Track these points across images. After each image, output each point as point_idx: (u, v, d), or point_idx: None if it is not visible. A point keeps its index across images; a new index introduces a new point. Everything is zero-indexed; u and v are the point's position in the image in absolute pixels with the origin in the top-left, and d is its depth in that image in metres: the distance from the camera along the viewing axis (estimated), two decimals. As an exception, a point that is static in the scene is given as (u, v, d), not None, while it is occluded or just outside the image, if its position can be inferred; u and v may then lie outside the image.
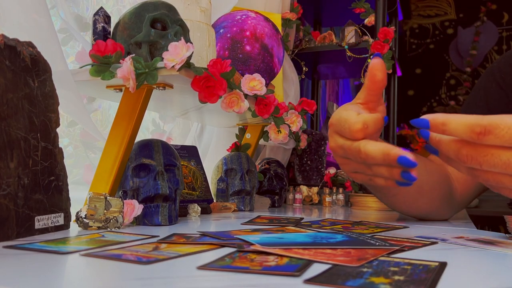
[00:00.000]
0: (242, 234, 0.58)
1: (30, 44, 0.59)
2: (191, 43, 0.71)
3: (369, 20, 1.50)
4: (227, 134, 1.34)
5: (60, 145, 0.63)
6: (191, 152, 1.04)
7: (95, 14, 0.79)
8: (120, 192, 0.75)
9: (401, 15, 2.40)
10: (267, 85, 1.05)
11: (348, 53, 1.54)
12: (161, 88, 0.75)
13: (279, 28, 1.43)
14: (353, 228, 0.73)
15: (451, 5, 3.85)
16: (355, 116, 0.57)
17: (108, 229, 0.64)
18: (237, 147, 1.17)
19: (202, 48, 0.87)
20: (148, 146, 0.76)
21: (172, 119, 1.35)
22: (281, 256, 0.46)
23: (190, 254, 0.47)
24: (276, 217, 0.88)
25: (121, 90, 0.77)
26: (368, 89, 0.61)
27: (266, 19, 1.10)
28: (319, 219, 0.88)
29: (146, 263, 0.42)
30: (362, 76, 1.51)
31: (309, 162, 1.55)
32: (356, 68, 1.75)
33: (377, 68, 0.59)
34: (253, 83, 0.90)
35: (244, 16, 1.07)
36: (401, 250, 0.52)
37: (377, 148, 0.54)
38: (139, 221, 0.73)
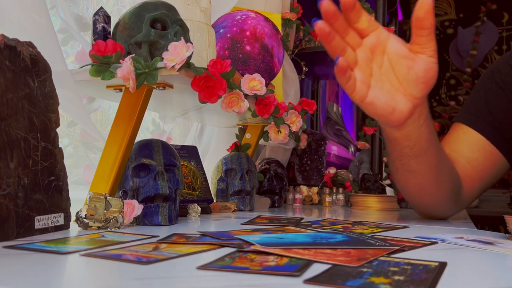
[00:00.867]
0: (242, 234, 0.58)
1: (30, 44, 0.59)
2: (191, 43, 0.71)
3: (369, 20, 1.50)
4: (227, 134, 1.34)
5: (60, 145, 0.63)
6: (191, 152, 1.04)
7: (95, 14, 0.79)
8: (120, 192, 0.75)
9: (401, 15, 2.40)
10: (267, 85, 1.05)
11: (348, 53, 1.54)
12: (161, 88, 0.75)
13: (279, 28, 1.43)
14: (353, 228, 0.73)
15: (451, 5, 3.85)
16: None
17: (108, 229, 0.64)
18: (237, 147, 1.16)
19: (202, 48, 0.87)
20: (148, 146, 0.76)
21: (172, 119, 1.35)
22: (281, 256, 0.46)
23: (190, 254, 0.47)
24: (276, 217, 0.88)
25: (121, 90, 0.77)
26: (415, 28, 0.61)
27: (266, 19, 1.10)
28: (319, 219, 0.88)
29: (146, 263, 0.42)
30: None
31: (309, 162, 1.55)
32: (356, 68, 1.75)
33: (421, 6, 0.59)
34: (253, 83, 0.90)
35: (244, 16, 1.07)
36: (401, 250, 0.52)
37: None
38: (139, 221, 0.73)
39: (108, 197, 0.65)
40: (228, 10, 1.18)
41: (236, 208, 1.02)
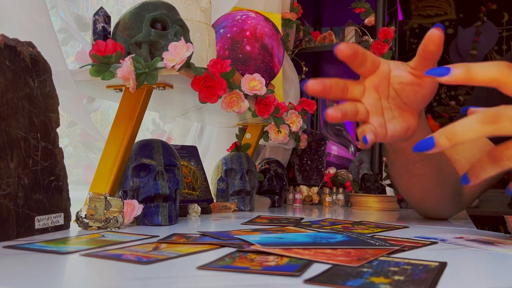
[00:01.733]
0: (242, 234, 0.58)
1: (30, 44, 0.59)
2: (191, 43, 0.71)
3: (369, 20, 1.50)
4: (227, 134, 1.34)
5: (60, 145, 0.63)
6: (191, 152, 1.04)
7: (95, 14, 0.79)
8: (120, 192, 0.75)
9: (401, 15, 2.40)
10: (267, 85, 1.05)
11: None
12: (161, 88, 0.75)
13: (279, 28, 1.43)
14: (353, 228, 0.73)
15: (451, 5, 3.85)
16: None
17: (108, 229, 0.64)
18: (237, 147, 1.16)
19: (202, 48, 0.87)
20: (148, 146, 0.76)
21: (172, 119, 1.35)
22: (281, 256, 0.46)
23: (190, 254, 0.47)
24: (276, 217, 0.88)
25: (121, 90, 0.77)
26: (420, 57, 0.60)
27: (266, 19, 1.10)
28: (319, 219, 0.88)
29: (146, 263, 0.42)
30: (362, 76, 1.51)
31: (309, 162, 1.55)
32: (356, 68, 1.75)
33: (432, 40, 0.57)
34: (253, 83, 0.90)
35: (244, 16, 1.07)
36: (401, 250, 0.52)
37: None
38: (139, 221, 0.73)
39: (108, 197, 0.65)
40: (228, 10, 1.18)
41: (236, 208, 1.02)
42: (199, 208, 0.89)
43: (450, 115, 3.74)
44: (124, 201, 0.67)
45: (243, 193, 1.04)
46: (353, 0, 1.53)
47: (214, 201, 1.04)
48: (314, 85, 0.57)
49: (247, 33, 1.04)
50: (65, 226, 0.62)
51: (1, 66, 0.53)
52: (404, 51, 3.85)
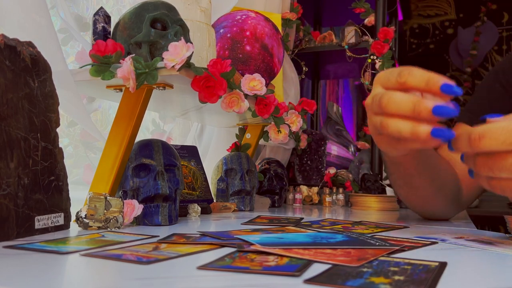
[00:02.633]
0: (242, 234, 0.58)
1: (30, 44, 0.59)
2: (191, 43, 0.71)
3: (369, 20, 1.50)
4: (227, 134, 1.34)
5: (60, 145, 0.63)
6: (191, 152, 1.04)
7: (95, 14, 0.79)
8: (120, 192, 0.75)
9: (401, 15, 2.40)
10: (267, 85, 1.05)
11: (348, 53, 1.54)
12: (161, 88, 0.75)
13: (279, 28, 1.43)
14: (353, 228, 0.73)
15: (451, 5, 3.84)
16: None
17: (108, 229, 0.64)
18: (237, 147, 1.16)
19: (202, 48, 0.87)
20: (148, 146, 0.76)
21: (172, 119, 1.35)
22: (281, 256, 0.46)
23: (190, 254, 0.47)
24: (276, 217, 0.88)
25: (121, 90, 0.77)
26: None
27: (266, 19, 1.10)
28: (319, 219, 0.88)
29: (146, 263, 0.42)
30: (362, 76, 1.51)
31: (309, 162, 1.55)
32: (356, 68, 1.75)
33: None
34: (253, 83, 0.90)
35: (244, 16, 1.07)
36: (401, 250, 0.52)
37: (419, 75, 0.51)
38: (139, 221, 0.73)
39: (108, 197, 0.65)
40: (228, 10, 1.18)
41: (236, 208, 1.02)
42: (199, 208, 0.89)
43: (450, 115, 3.73)
44: (124, 201, 0.67)
45: (243, 193, 1.04)
46: (353, 0, 1.53)
47: (214, 201, 1.04)
48: None
49: (247, 33, 1.04)
50: (65, 226, 0.62)
51: (1, 66, 0.53)
52: (404, 51, 3.85)
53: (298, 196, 1.33)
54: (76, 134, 1.09)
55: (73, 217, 0.65)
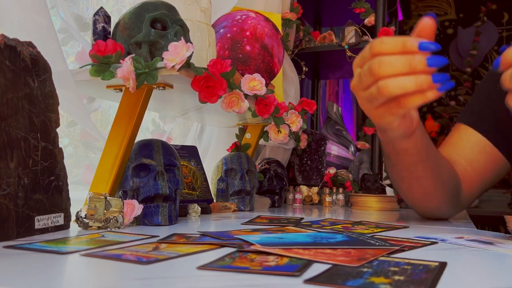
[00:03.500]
0: (242, 234, 0.58)
1: (30, 44, 0.59)
2: (191, 43, 0.71)
3: (369, 20, 1.50)
4: (227, 134, 1.34)
5: (60, 145, 0.63)
6: (191, 152, 1.04)
7: (95, 14, 0.79)
8: (120, 192, 0.75)
9: (401, 15, 2.40)
10: (267, 85, 1.05)
11: (348, 53, 1.54)
12: (161, 88, 0.75)
13: (279, 28, 1.43)
14: (353, 228, 0.73)
15: (451, 5, 3.84)
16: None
17: (108, 229, 0.64)
18: (237, 147, 1.16)
19: (202, 48, 0.87)
20: (148, 146, 0.76)
21: (172, 119, 1.35)
22: (281, 256, 0.46)
23: (190, 254, 0.47)
24: (276, 217, 0.88)
25: (121, 90, 0.77)
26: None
27: (266, 19, 1.10)
28: (319, 219, 0.88)
29: (146, 263, 0.42)
30: (362, 76, 1.51)
31: (309, 162, 1.55)
32: (356, 68, 1.75)
33: (425, 29, 0.55)
34: (253, 83, 0.90)
35: (244, 16, 1.07)
36: (401, 250, 0.52)
37: (392, 41, 0.52)
38: (139, 221, 0.73)
39: (108, 197, 0.65)
40: (228, 10, 1.18)
41: (236, 208, 1.02)
42: (199, 208, 0.89)
43: (450, 115, 3.74)
44: (124, 201, 0.67)
45: (243, 193, 1.04)
46: (353, 0, 1.53)
47: (214, 201, 1.04)
48: None
49: (247, 33, 1.04)
50: (65, 226, 0.62)
51: (1, 66, 0.53)
52: (404, 51, 3.84)
53: (298, 196, 1.33)
54: (76, 134, 1.09)
55: (73, 217, 0.65)
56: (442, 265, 0.44)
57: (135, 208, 0.68)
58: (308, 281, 0.37)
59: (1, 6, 0.71)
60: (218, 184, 1.06)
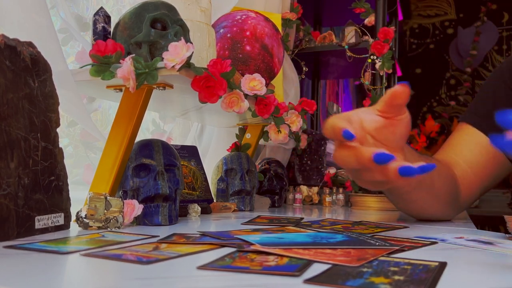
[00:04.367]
0: (242, 234, 0.58)
1: (30, 44, 0.59)
2: (191, 43, 0.71)
3: (369, 20, 1.50)
4: (227, 134, 1.34)
5: (60, 145, 0.63)
6: (191, 152, 1.04)
7: (95, 14, 0.79)
8: (120, 192, 0.75)
9: (401, 15, 2.40)
10: (267, 85, 1.05)
11: (348, 53, 1.54)
12: (161, 88, 0.75)
13: (279, 28, 1.43)
14: (353, 228, 0.73)
15: (451, 5, 3.85)
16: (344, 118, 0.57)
17: (108, 229, 0.64)
18: (237, 147, 1.16)
19: (202, 48, 0.87)
20: (148, 146, 0.76)
21: (172, 119, 1.35)
22: (281, 256, 0.46)
23: (190, 254, 0.47)
24: (276, 217, 0.88)
25: (121, 90, 0.77)
26: (387, 105, 0.59)
27: (266, 19, 1.10)
28: (319, 219, 0.88)
29: (146, 263, 0.42)
30: (362, 76, 1.51)
31: (309, 162, 1.55)
32: (356, 68, 1.75)
33: (398, 96, 0.57)
34: (253, 83, 0.90)
35: (244, 16, 1.07)
36: (401, 250, 0.52)
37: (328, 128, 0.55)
38: (139, 221, 0.73)
39: (108, 197, 0.66)
40: (228, 10, 1.18)
41: (236, 208, 1.02)
42: (199, 208, 0.89)
43: (450, 115, 3.74)
44: (124, 201, 0.67)
45: (243, 193, 1.04)
46: (353, 0, 1.53)
47: (214, 201, 1.04)
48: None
49: (247, 33, 1.04)
50: (65, 226, 0.62)
51: (1, 66, 0.53)
52: (404, 51, 3.85)
53: (298, 196, 1.33)
54: (76, 134, 1.09)
55: (73, 217, 0.65)
56: (442, 265, 0.44)
57: (135, 208, 0.68)
58: (308, 281, 0.37)
59: (1, 6, 0.71)
60: (218, 184, 1.06)
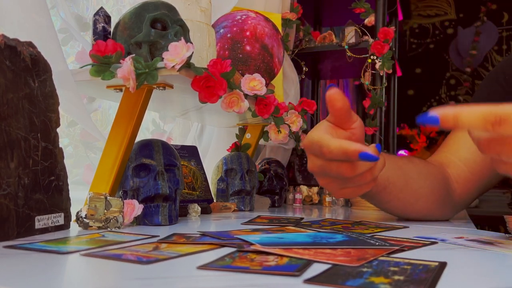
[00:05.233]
0: (242, 234, 0.58)
1: (30, 44, 0.59)
2: (191, 43, 0.71)
3: (369, 20, 1.50)
4: (227, 134, 1.34)
5: (60, 145, 0.63)
6: (191, 152, 1.04)
7: (95, 14, 0.79)
8: (120, 192, 0.75)
9: (401, 15, 2.40)
10: (267, 85, 1.05)
11: (348, 53, 1.54)
12: (161, 88, 0.75)
13: (279, 28, 1.43)
14: (353, 228, 0.73)
15: (451, 5, 3.84)
16: (327, 138, 0.59)
17: (108, 229, 0.64)
18: (237, 147, 1.16)
19: (202, 48, 0.87)
20: (148, 146, 0.76)
21: (172, 119, 1.35)
22: (281, 256, 0.46)
23: (190, 254, 0.47)
24: (276, 217, 0.88)
25: (121, 90, 0.77)
26: (333, 115, 0.63)
27: (266, 19, 1.10)
28: (319, 219, 0.88)
29: (146, 263, 0.42)
30: (362, 76, 1.51)
31: (309, 162, 1.55)
32: (356, 68, 1.75)
33: (334, 98, 0.60)
34: (253, 83, 0.90)
35: (244, 16, 1.07)
36: (401, 250, 0.52)
37: (337, 144, 0.58)
38: (139, 221, 0.73)
39: (108, 197, 0.66)
40: (228, 10, 1.18)
41: (236, 208, 1.02)
42: (199, 208, 0.89)
43: (450, 115, 3.73)
44: (124, 201, 0.67)
45: (243, 193, 1.04)
46: (353, 0, 1.53)
47: (214, 201, 1.04)
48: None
49: (247, 33, 1.04)
50: (65, 226, 0.62)
51: (1, 66, 0.53)
52: (404, 51, 3.85)
53: (298, 196, 1.33)
54: (76, 134, 1.10)
55: (73, 217, 0.65)
56: (442, 265, 0.44)
57: (135, 208, 0.68)
58: (308, 281, 0.37)
59: (1, 6, 0.71)
60: (218, 184, 1.06)
